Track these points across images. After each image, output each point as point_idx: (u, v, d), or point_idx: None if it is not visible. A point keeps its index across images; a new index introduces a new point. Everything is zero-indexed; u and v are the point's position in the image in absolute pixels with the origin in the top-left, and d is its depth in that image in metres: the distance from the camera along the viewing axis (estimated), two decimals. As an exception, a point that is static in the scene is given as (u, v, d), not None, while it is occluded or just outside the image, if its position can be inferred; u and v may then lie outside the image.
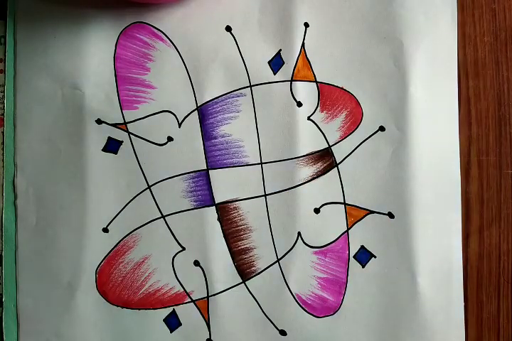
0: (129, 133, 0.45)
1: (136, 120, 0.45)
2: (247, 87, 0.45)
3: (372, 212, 0.46)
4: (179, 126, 0.45)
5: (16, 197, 0.44)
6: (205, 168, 0.45)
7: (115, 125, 0.45)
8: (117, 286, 0.45)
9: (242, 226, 0.45)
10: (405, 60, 0.46)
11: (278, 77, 0.45)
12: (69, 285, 0.44)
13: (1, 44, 0.45)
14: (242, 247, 0.45)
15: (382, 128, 0.46)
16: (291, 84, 0.46)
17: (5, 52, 0.45)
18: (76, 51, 0.45)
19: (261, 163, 0.45)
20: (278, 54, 0.45)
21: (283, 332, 0.45)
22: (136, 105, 0.45)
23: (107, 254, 0.45)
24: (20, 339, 0.44)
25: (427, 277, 0.45)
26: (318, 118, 0.46)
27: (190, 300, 0.45)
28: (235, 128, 0.45)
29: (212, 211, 0.45)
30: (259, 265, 0.45)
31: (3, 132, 0.45)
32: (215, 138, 0.45)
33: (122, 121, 0.45)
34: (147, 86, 0.45)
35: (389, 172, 0.46)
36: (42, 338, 0.44)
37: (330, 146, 0.46)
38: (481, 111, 0.47)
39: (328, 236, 0.46)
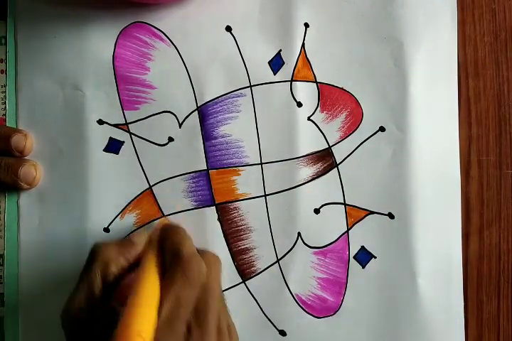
0: (131, 133, 0.45)
1: (137, 120, 0.45)
2: (247, 87, 0.45)
3: (372, 212, 0.46)
4: (180, 126, 0.45)
5: (18, 197, 0.44)
6: (206, 168, 0.45)
7: (117, 125, 0.45)
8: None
9: (242, 227, 0.45)
10: (405, 60, 0.46)
11: (278, 77, 0.45)
12: (70, 285, 0.44)
13: (1, 44, 0.45)
14: (242, 247, 0.45)
15: (382, 129, 0.46)
16: (291, 84, 0.46)
17: (6, 52, 0.45)
18: (77, 51, 0.45)
19: (261, 163, 0.45)
20: (278, 54, 0.45)
21: (283, 333, 0.45)
22: (136, 105, 0.45)
23: (108, 254, 0.45)
24: (22, 339, 0.44)
25: (427, 277, 0.45)
26: (318, 119, 0.46)
27: (190, 299, 0.45)
28: (235, 129, 0.45)
29: (212, 211, 0.45)
30: (259, 265, 0.45)
31: (4, 132, 0.45)
32: (215, 138, 0.45)
33: (124, 122, 0.45)
34: (147, 86, 0.45)
35: (389, 173, 0.45)
36: (43, 338, 0.44)
37: (330, 147, 0.46)
38: (481, 111, 0.47)
39: (328, 237, 0.46)
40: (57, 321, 0.44)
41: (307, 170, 0.46)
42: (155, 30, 0.45)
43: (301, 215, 0.45)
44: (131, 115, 0.45)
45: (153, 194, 0.45)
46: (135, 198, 0.45)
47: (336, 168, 0.46)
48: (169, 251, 0.36)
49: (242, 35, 0.45)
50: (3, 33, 0.45)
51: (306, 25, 0.46)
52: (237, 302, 0.45)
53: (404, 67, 0.46)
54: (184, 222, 0.45)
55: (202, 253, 0.38)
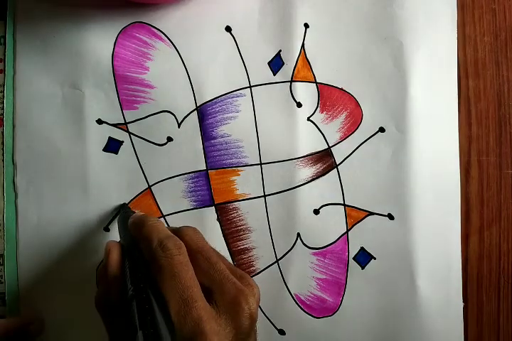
0: (130, 133, 0.45)
1: (136, 120, 0.45)
2: (246, 87, 0.45)
3: (371, 213, 0.46)
4: (179, 126, 0.45)
5: (16, 197, 0.44)
6: (205, 168, 0.45)
7: (116, 125, 0.45)
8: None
9: (242, 227, 0.45)
10: (405, 61, 0.46)
11: (278, 77, 0.45)
12: (69, 284, 0.44)
13: (0, 44, 0.45)
14: (241, 247, 0.45)
15: (382, 129, 0.46)
16: (290, 84, 0.45)
17: (5, 52, 0.45)
18: (76, 50, 0.44)
19: (260, 164, 0.45)
20: (278, 54, 0.45)
21: (282, 332, 0.45)
22: (136, 105, 0.45)
23: (107, 253, 0.45)
24: (21, 339, 0.44)
25: (426, 278, 0.45)
26: (318, 119, 0.46)
27: (189, 300, 0.45)
28: (235, 129, 0.45)
29: (211, 211, 0.45)
30: (259, 265, 0.45)
31: (2, 132, 0.45)
32: (215, 138, 0.45)
33: (123, 121, 0.45)
34: (146, 85, 0.45)
35: (389, 174, 0.45)
36: (43, 336, 0.44)
37: (330, 147, 0.46)
38: (481, 111, 0.47)
39: (328, 238, 0.46)
40: (57, 319, 0.44)
41: (307, 171, 0.45)
42: (155, 30, 0.45)
43: (300, 216, 0.45)
44: (130, 115, 0.45)
45: (153, 194, 0.45)
46: (134, 198, 0.45)
47: (335, 169, 0.46)
48: (144, 247, 0.36)
49: (242, 36, 0.45)
50: (2, 33, 0.45)
51: (306, 25, 0.45)
52: (236, 303, 0.45)
53: (404, 68, 0.46)
54: (184, 221, 0.45)
55: (178, 230, 0.38)
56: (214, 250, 0.38)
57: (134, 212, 0.42)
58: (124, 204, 0.45)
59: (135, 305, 0.32)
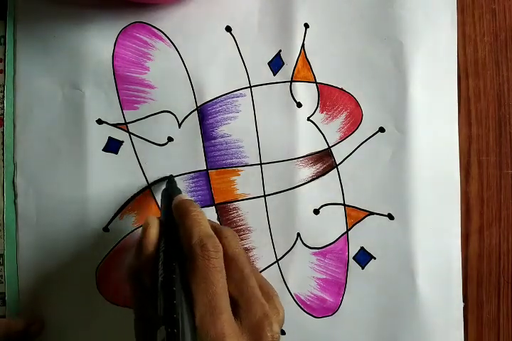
0: (130, 133, 0.45)
1: (136, 120, 0.45)
2: (246, 87, 0.45)
3: (371, 213, 0.46)
4: (179, 126, 0.45)
5: (16, 197, 0.44)
6: (205, 168, 0.45)
7: (116, 125, 0.45)
8: (117, 285, 0.45)
9: (242, 227, 0.45)
10: (405, 61, 0.46)
11: (278, 77, 0.45)
12: (69, 284, 0.44)
13: (0, 44, 0.45)
14: (241, 247, 0.45)
15: (382, 129, 0.46)
16: (290, 84, 0.45)
17: (5, 52, 0.45)
18: (76, 51, 0.44)
19: (260, 164, 0.45)
20: (278, 55, 0.45)
21: (282, 332, 0.45)
22: (136, 105, 0.45)
23: (108, 253, 0.45)
24: (22, 338, 0.44)
25: (427, 278, 0.45)
26: (318, 119, 0.46)
27: (189, 300, 0.45)
28: (235, 129, 0.45)
29: (211, 211, 0.45)
30: (259, 265, 0.45)
31: (3, 132, 0.45)
32: (215, 138, 0.45)
33: (123, 121, 0.45)
34: (146, 85, 0.45)
35: (389, 174, 0.46)
36: (43, 336, 0.44)
37: (330, 147, 0.46)
38: (481, 111, 0.47)
39: (328, 237, 0.46)
40: (57, 319, 0.44)
41: (307, 171, 0.46)
42: (155, 30, 0.45)
43: (300, 216, 0.45)
44: (130, 115, 0.45)
45: (153, 194, 0.45)
46: (134, 198, 0.45)
47: (335, 169, 0.46)
48: (184, 240, 0.35)
49: (242, 36, 0.45)
50: (3, 33, 0.45)
51: (306, 25, 0.45)
52: (236, 303, 0.45)
53: (404, 68, 0.46)
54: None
55: (218, 230, 0.37)
56: (248, 259, 0.38)
57: (180, 190, 0.42)
58: (171, 176, 0.45)
59: (162, 296, 0.32)
